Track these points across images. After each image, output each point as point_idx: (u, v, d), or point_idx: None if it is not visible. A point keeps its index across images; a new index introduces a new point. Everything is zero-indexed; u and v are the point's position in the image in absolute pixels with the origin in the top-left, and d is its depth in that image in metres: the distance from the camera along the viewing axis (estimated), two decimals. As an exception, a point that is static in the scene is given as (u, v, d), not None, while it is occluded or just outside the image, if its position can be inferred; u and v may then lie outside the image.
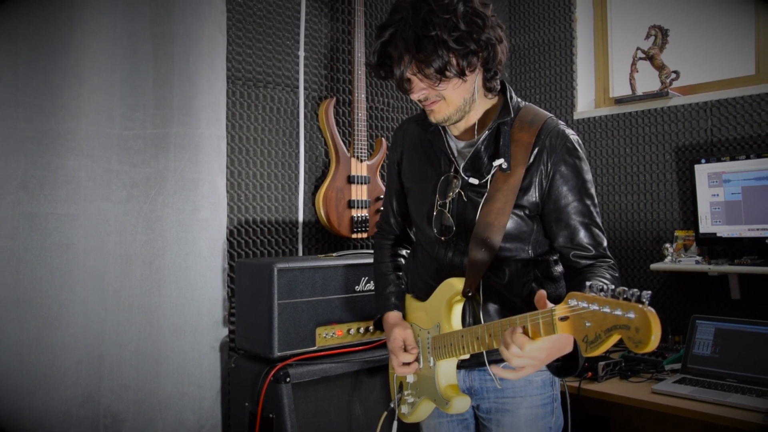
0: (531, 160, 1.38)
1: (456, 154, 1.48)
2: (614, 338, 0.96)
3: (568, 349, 1.25)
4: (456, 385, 1.47)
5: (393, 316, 1.59)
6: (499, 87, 1.44)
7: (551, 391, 1.50)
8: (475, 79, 1.38)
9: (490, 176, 1.40)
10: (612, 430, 2.60)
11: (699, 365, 2.19)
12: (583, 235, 1.40)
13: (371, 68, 1.39)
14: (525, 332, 1.14)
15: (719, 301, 2.56)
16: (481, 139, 1.42)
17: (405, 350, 1.52)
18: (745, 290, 2.48)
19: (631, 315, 0.92)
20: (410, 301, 1.62)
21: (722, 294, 2.54)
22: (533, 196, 1.39)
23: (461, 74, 1.31)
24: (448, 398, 1.43)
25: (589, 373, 2.21)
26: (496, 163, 1.39)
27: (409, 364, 1.52)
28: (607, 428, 2.61)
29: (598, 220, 1.43)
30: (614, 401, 2.11)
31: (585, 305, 1.00)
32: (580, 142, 1.44)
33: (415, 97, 1.38)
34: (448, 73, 1.29)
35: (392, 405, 1.60)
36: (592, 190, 1.42)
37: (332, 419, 1.96)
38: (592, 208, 1.41)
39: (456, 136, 1.50)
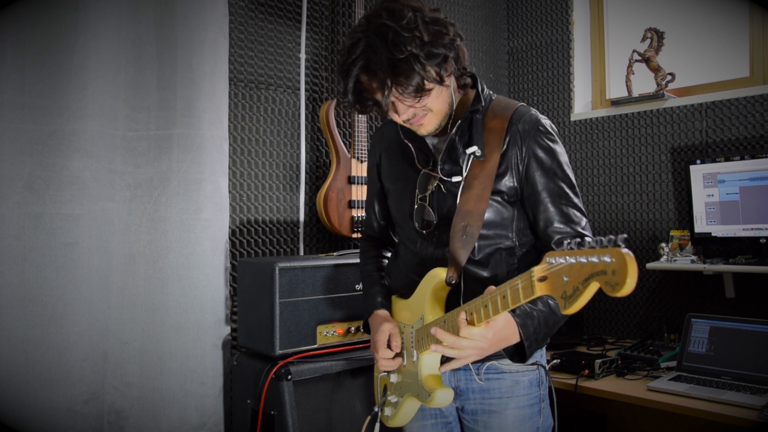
0: (505, 146, 1.40)
1: (432, 149, 1.49)
2: (592, 288, 0.94)
3: (514, 339, 1.29)
4: (439, 377, 1.43)
5: (380, 313, 1.59)
6: (470, 82, 1.47)
7: (538, 391, 1.50)
8: (451, 81, 1.41)
9: (466, 165, 1.41)
10: (608, 427, 2.64)
11: (694, 363, 2.21)
12: (559, 217, 1.40)
13: (347, 106, 1.39)
14: (504, 299, 1.14)
15: (714, 299, 2.58)
16: (455, 129, 1.44)
17: (389, 346, 1.50)
18: (739, 289, 2.51)
19: (607, 259, 0.91)
20: (395, 301, 1.61)
21: (717, 293, 2.56)
22: (510, 180, 1.41)
23: (440, 81, 1.33)
24: (430, 390, 1.39)
25: (586, 371, 2.23)
26: (470, 150, 1.40)
27: (392, 359, 1.50)
28: (604, 425, 2.64)
29: (576, 200, 1.42)
30: (611, 398, 2.12)
31: (562, 260, 0.99)
32: (553, 126, 1.45)
33: (403, 118, 1.39)
34: (428, 85, 1.31)
35: (376, 409, 1.56)
36: (569, 171, 1.43)
37: (333, 416, 1.98)
38: (567, 190, 1.41)
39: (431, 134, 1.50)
